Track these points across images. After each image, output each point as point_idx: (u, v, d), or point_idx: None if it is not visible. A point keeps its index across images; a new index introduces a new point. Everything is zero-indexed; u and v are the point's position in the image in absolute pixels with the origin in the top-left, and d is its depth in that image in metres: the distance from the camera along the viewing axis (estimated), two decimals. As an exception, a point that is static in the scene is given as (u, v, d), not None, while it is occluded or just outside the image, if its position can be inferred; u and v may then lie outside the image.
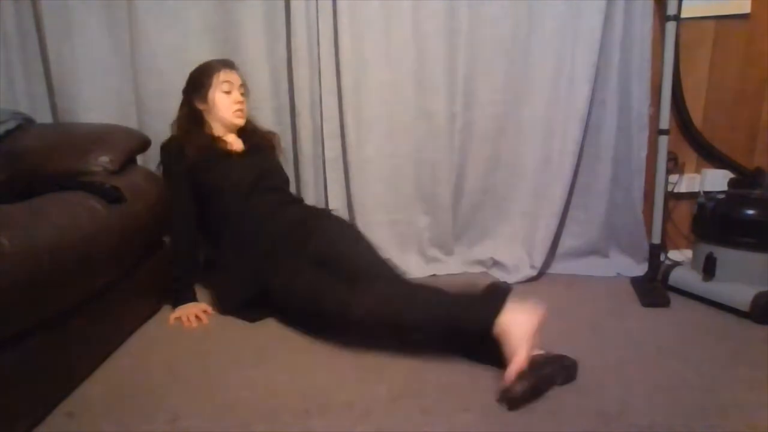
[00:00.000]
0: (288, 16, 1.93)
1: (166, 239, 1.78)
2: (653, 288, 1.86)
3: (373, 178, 2.05)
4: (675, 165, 2.08)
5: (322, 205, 2.07)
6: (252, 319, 1.62)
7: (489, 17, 1.96)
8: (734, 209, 1.73)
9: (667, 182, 2.00)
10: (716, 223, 1.75)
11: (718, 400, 1.17)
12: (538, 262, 2.01)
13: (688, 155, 2.13)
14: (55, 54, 1.84)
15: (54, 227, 1.12)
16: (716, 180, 2.05)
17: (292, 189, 2.02)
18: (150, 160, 1.91)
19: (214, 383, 1.27)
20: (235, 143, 1.84)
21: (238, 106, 1.80)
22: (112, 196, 1.36)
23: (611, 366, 1.32)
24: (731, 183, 1.93)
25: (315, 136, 2.02)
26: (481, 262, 2.13)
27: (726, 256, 1.70)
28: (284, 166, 1.95)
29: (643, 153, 2.01)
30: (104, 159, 1.54)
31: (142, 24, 1.86)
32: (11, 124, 1.63)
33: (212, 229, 1.76)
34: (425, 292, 1.37)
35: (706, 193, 1.91)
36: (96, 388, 1.24)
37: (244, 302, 1.64)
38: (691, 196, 2.10)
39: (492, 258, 2.11)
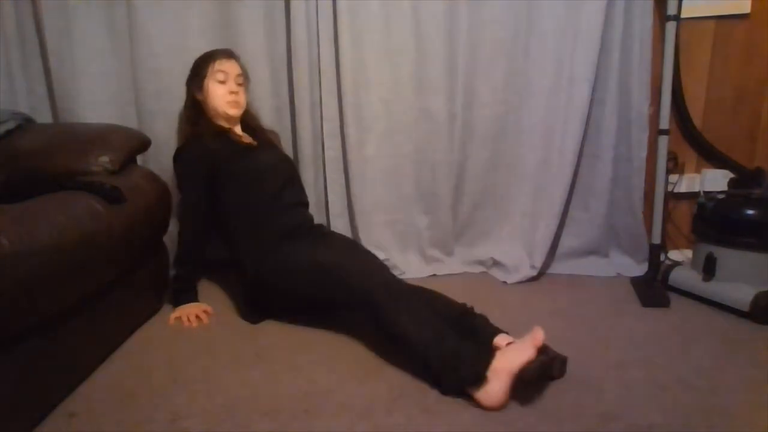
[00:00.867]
0: (288, 16, 1.93)
1: (166, 240, 1.78)
2: (653, 288, 1.86)
3: (373, 178, 2.05)
4: (675, 165, 2.07)
5: (322, 205, 2.08)
6: (253, 320, 1.63)
7: (489, 17, 1.95)
8: (734, 209, 1.73)
9: (667, 182, 2.00)
10: (716, 223, 1.75)
11: (718, 400, 1.17)
12: (538, 262, 2.01)
13: (688, 155, 2.13)
14: (55, 54, 1.84)
15: (54, 227, 1.12)
16: (716, 180, 2.05)
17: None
18: (150, 160, 1.92)
19: (214, 383, 1.27)
20: (245, 137, 1.81)
21: (231, 97, 1.75)
22: (112, 196, 1.36)
23: (611, 366, 1.32)
24: (731, 183, 1.93)
25: (315, 136, 2.02)
26: (481, 262, 2.14)
27: (726, 256, 1.71)
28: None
29: (643, 153, 2.00)
30: (104, 159, 1.54)
31: (142, 24, 1.86)
32: (11, 124, 1.63)
33: (230, 225, 1.68)
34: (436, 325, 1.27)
35: (706, 193, 1.92)
36: (96, 388, 1.25)
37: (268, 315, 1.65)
38: (691, 196, 2.10)
39: (492, 258, 2.11)
